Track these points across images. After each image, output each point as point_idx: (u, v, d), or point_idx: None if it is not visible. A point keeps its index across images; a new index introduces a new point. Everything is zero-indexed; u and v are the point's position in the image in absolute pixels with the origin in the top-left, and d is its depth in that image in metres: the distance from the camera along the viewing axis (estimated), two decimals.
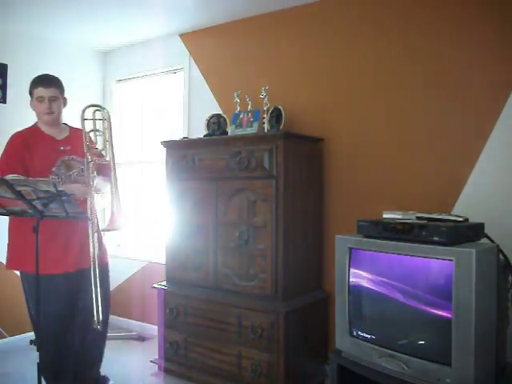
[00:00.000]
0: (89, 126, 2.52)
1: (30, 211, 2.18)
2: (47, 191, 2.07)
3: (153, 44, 4.13)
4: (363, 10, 3.08)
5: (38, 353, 2.19)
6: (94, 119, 2.51)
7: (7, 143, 2.50)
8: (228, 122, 3.37)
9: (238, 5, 3.38)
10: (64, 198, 2.09)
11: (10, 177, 2.11)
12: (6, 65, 3.81)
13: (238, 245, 2.95)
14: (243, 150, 2.93)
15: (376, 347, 2.23)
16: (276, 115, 3.13)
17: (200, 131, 3.60)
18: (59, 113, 2.54)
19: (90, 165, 2.44)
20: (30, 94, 2.52)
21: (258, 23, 3.55)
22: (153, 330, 3.85)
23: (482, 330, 1.91)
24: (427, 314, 2.10)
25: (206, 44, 3.86)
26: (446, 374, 1.95)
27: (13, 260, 2.52)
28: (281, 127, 3.11)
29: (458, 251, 1.93)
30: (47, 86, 2.47)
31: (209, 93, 3.82)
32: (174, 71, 4.11)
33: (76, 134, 2.59)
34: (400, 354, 2.12)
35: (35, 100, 2.49)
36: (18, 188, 2.05)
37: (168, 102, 4.18)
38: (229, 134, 3.27)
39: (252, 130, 3.14)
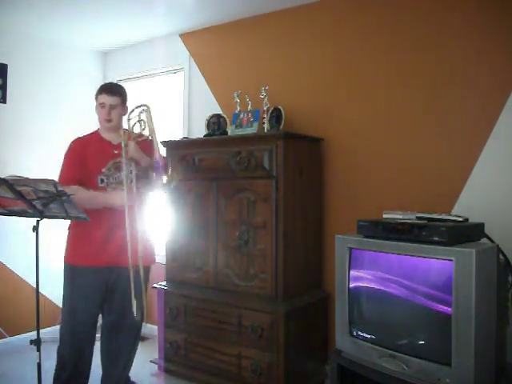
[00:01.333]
0: (137, 129, 2.63)
1: (30, 211, 2.19)
2: (47, 191, 2.07)
3: (153, 44, 4.13)
4: (363, 10, 3.08)
5: (37, 353, 2.19)
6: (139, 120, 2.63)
7: (67, 149, 2.56)
8: (228, 121, 3.37)
9: (238, 5, 3.38)
10: (64, 198, 2.09)
11: (9, 177, 2.11)
12: (6, 65, 3.81)
13: (238, 245, 2.95)
14: (243, 150, 2.93)
15: (376, 347, 2.23)
16: (276, 115, 3.13)
17: (200, 131, 3.60)
18: (118, 120, 2.61)
19: (133, 172, 2.49)
20: (96, 100, 2.61)
21: (258, 23, 3.55)
22: (153, 330, 3.85)
23: (482, 329, 1.91)
24: (427, 314, 2.10)
25: (206, 44, 3.86)
26: (446, 374, 1.95)
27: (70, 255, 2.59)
28: (281, 127, 3.11)
29: (458, 251, 1.93)
30: (110, 93, 2.57)
31: (209, 93, 3.82)
32: (174, 71, 4.11)
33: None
34: (400, 354, 2.12)
35: (98, 106, 2.59)
36: (18, 188, 2.06)
37: (168, 102, 4.18)
38: (229, 134, 3.27)
39: (252, 129, 3.14)
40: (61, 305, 2.65)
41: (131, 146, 2.50)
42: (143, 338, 3.95)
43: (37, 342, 2.20)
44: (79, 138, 2.62)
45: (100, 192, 2.48)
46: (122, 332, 2.64)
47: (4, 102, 3.81)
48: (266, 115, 3.13)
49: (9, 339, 3.75)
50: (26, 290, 3.77)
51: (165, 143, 3.37)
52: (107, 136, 2.61)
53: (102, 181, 2.51)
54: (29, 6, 3.39)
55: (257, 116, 3.17)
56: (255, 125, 3.15)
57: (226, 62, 3.73)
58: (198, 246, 3.16)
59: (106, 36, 4.10)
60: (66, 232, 2.60)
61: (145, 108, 2.59)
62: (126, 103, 2.68)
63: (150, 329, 3.96)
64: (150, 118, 2.60)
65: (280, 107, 3.14)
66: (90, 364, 2.63)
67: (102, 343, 2.70)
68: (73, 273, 2.53)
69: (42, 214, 2.19)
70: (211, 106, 3.73)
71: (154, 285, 3.36)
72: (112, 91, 2.59)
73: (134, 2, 3.33)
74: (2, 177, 2.06)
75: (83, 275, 2.51)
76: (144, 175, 2.60)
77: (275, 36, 3.47)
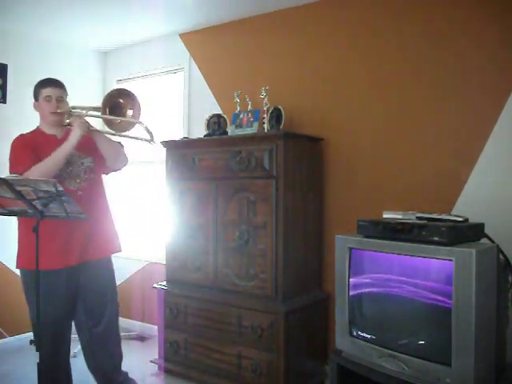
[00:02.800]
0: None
1: (30, 211, 2.18)
2: (47, 191, 2.07)
3: (153, 44, 4.14)
4: (363, 10, 3.08)
5: (37, 353, 2.19)
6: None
7: (13, 145, 2.48)
8: (228, 121, 3.37)
9: (238, 5, 3.38)
10: (64, 197, 2.09)
11: (9, 177, 2.10)
12: (6, 65, 3.82)
13: (238, 245, 2.95)
14: (243, 150, 2.93)
15: (376, 347, 2.22)
16: (276, 115, 3.13)
17: (200, 131, 3.60)
18: (63, 114, 2.55)
19: (84, 164, 2.50)
20: (36, 95, 2.52)
21: (258, 23, 3.55)
22: (153, 330, 3.85)
23: (482, 329, 1.91)
24: (427, 314, 2.11)
25: (206, 44, 3.86)
26: (446, 374, 1.95)
27: (21, 258, 2.53)
28: (281, 127, 3.11)
29: (458, 251, 1.93)
30: (55, 86, 2.52)
31: (209, 93, 3.82)
32: (174, 71, 4.11)
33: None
34: (400, 354, 2.12)
35: (43, 99, 2.50)
36: (18, 188, 2.05)
37: (168, 101, 4.18)
38: (229, 134, 3.27)
39: (252, 129, 3.14)
40: None
41: (77, 114, 2.48)
42: (143, 338, 3.96)
43: (36, 343, 2.19)
44: (22, 134, 2.52)
45: (59, 149, 2.38)
46: (104, 323, 2.56)
47: (4, 102, 3.81)
48: (266, 115, 3.13)
49: (9, 339, 3.75)
50: None
51: (165, 143, 3.38)
52: (52, 131, 2.53)
53: (55, 176, 2.37)
54: (29, 7, 3.39)
55: (257, 116, 3.17)
56: (255, 125, 3.15)
57: (226, 62, 3.73)
58: (198, 246, 3.16)
59: (105, 36, 4.10)
60: (18, 237, 2.50)
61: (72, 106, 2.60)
62: (67, 97, 2.60)
63: (150, 329, 3.96)
64: (79, 107, 2.60)
65: (280, 107, 3.14)
66: (69, 369, 2.56)
67: (85, 343, 2.59)
68: (43, 278, 2.32)
69: (42, 214, 2.19)
70: (211, 106, 3.73)
71: (154, 285, 3.36)
72: (57, 83, 2.53)
73: (133, 2, 3.33)
74: (2, 177, 2.06)
75: (58, 277, 2.40)
76: (96, 164, 2.56)
77: (275, 36, 3.47)
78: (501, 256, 2.12)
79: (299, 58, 3.35)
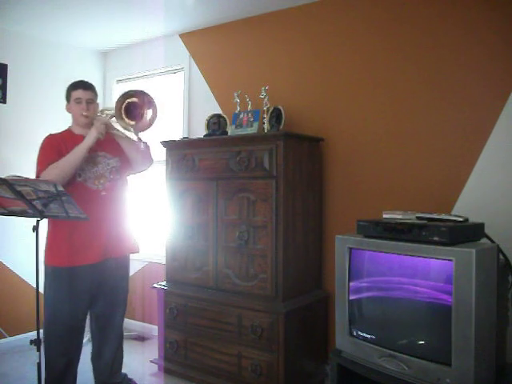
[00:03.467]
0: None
1: (30, 211, 2.19)
2: (47, 191, 2.07)
3: (153, 44, 4.14)
4: (363, 9, 3.08)
5: (38, 353, 2.19)
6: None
7: (42, 145, 2.54)
8: (228, 121, 3.37)
9: (238, 5, 3.38)
10: (64, 198, 2.09)
11: (9, 176, 2.11)
12: (6, 65, 3.81)
13: (238, 245, 2.95)
14: (243, 150, 2.93)
15: (376, 347, 2.23)
16: (276, 115, 3.13)
17: (200, 131, 3.60)
18: (94, 115, 2.60)
19: (110, 165, 2.53)
20: (68, 97, 2.59)
21: (258, 23, 3.55)
22: (153, 330, 3.85)
23: (482, 330, 1.91)
24: (427, 314, 2.11)
25: (206, 44, 3.86)
26: (445, 374, 1.95)
27: (49, 255, 2.54)
28: (281, 127, 3.11)
29: (458, 251, 1.93)
30: (85, 88, 2.57)
31: (209, 93, 3.82)
32: (174, 71, 4.11)
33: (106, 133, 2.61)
34: (400, 354, 2.12)
35: (73, 102, 2.57)
36: (18, 188, 2.06)
37: (168, 102, 4.18)
38: (229, 133, 3.27)
39: (252, 129, 3.14)
40: None
41: (102, 117, 2.52)
42: (143, 338, 3.96)
43: (37, 342, 2.19)
44: (51, 134, 2.58)
45: (76, 148, 2.43)
46: (112, 327, 2.63)
47: (4, 102, 3.81)
48: (266, 115, 3.13)
49: (9, 339, 3.75)
50: (26, 290, 3.77)
51: (165, 143, 3.38)
52: (81, 132, 2.57)
53: (80, 175, 2.47)
54: (29, 7, 3.39)
55: (257, 116, 3.17)
56: (255, 125, 3.15)
57: (226, 62, 3.73)
58: (198, 246, 3.16)
59: (106, 36, 4.10)
60: (47, 234, 2.52)
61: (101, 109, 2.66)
62: (97, 99, 2.66)
63: (150, 329, 3.97)
64: (107, 108, 2.65)
65: (280, 107, 3.14)
66: (77, 368, 2.59)
67: (94, 342, 2.68)
68: (68, 275, 2.44)
69: (41, 214, 2.19)
70: (211, 106, 3.73)
71: (154, 285, 3.36)
72: (87, 86, 2.59)
73: (133, 2, 3.33)
74: (2, 177, 2.06)
75: (80, 275, 2.46)
76: (122, 165, 2.61)
77: (275, 36, 3.47)
78: (501, 256, 2.12)
79: (299, 58, 3.35)
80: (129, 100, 2.47)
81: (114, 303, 2.62)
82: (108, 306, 2.60)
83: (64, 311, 2.44)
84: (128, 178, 2.73)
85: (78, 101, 2.54)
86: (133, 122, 2.48)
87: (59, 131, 2.63)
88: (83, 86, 2.58)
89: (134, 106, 2.48)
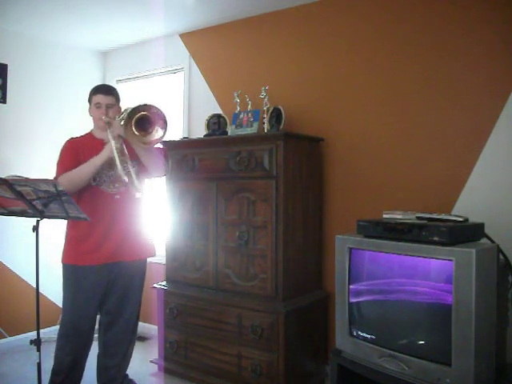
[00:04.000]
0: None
1: (30, 211, 2.19)
2: (47, 191, 2.07)
3: (153, 44, 4.13)
4: (363, 9, 3.08)
5: (38, 353, 2.19)
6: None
7: (62, 149, 2.58)
8: (228, 121, 3.37)
9: (238, 5, 3.38)
10: (64, 198, 2.09)
11: (10, 176, 2.11)
12: (6, 65, 3.81)
13: (238, 245, 2.95)
14: (243, 149, 2.93)
15: (376, 347, 2.23)
16: (276, 115, 3.13)
17: (200, 131, 3.60)
18: (114, 119, 2.59)
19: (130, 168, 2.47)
20: (89, 100, 2.63)
21: (258, 23, 3.55)
22: (153, 330, 3.85)
23: (482, 330, 1.91)
24: (427, 314, 2.11)
25: (205, 44, 3.86)
26: (445, 374, 1.95)
27: (65, 254, 2.59)
28: (281, 127, 3.11)
29: (458, 251, 1.93)
30: (106, 93, 2.59)
31: (209, 93, 3.82)
32: (174, 71, 4.11)
33: None
34: (400, 354, 2.12)
35: (93, 106, 2.59)
36: (18, 188, 2.06)
37: (168, 101, 4.18)
38: (229, 133, 3.27)
39: (252, 130, 3.14)
40: (61, 305, 2.65)
41: (116, 124, 2.49)
42: (143, 338, 3.95)
43: (37, 342, 2.20)
44: (72, 138, 2.63)
45: (85, 164, 2.45)
46: (118, 327, 2.66)
47: (4, 102, 3.81)
48: (265, 115, 3.13)
49: (9, 339, 3.75)
50: (26, 290, 3.77)
51: (165, 143, 3.37)
52: (101, 136, 2.60)
53: (95, 179, 2.50)
54: (29, 7, 3.39)
55: (257, 116, 3.17)
56: (255, 125, 3.15)
57: (226, 62, 3.73)
58: (198, 246, 3.16)
59: (105, 36, 4.10)
60: (64, 232, 2.60)
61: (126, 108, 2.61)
62: (119, 103, 2.68)
63: (150, 329, 3.96)
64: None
65: (280, 107, 3.14)
66: (84, 366, 2.63)
67: (99, 339, 2.71)
68: (75, 273, 2.52)
69: (42, 214, 2.19)
70: (211, 106, 3.73)
71: (154, 285, 3.36)
72: (107, 91, 2.61)
73: (133, 2, 3.33)
74: (2, 177, 2.06)
75: (86, 274, 2.51)
76: (139, 169, 2.59)
77: (275, 36, 3.47)
78: (501, 256, 2.12)
79: (299, 58, 3.35)
80: (144, 113, 2.40)
81: (123, 301, 2.64)
82: (117, 303, 2.63)
83: (73, 309, 2.51)
84: (145, 182, 2.71)
85: (98, 105, 2.57)
86: (138, 134, 2.40)
87: (81, 134, 2.66)
88: (104, 90, 2.60)
89: (144, 120, 2.41)
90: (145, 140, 2.40)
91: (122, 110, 2.65)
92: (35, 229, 2.21)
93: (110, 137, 2.45)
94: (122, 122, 2.43)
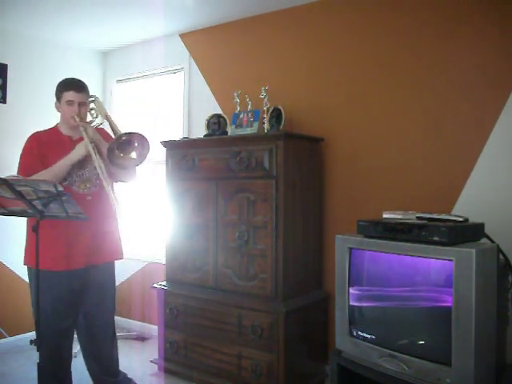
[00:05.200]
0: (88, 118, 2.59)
1: (30, 211, 2.19)
2: (47, 191, 2.07)
3: (153, 44, 4.13)
4: (363, 9, 3.08)
5: (38, 353, 2.19)
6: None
7: (25, 143, 2.50)
8: (228, 121, 3.37)
9: (238, 5, 3.38)
10: (64, 198, 2.09)
11: (10, 177, 2.11)
12: (6, 65, 3.81)
13: (238, 245, 2.95)
14: (243, 149, 2.93)
15: (376, 347, 2.23)
16: (276, 115, 3.13)
17: (200, 131, 3.60)
18: (85, 117, 2.53)
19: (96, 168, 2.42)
20: (58, 96, 2.50)
21: (257, 23, 3.55)
22: (153, 330, 3.85)
23: (482, 330, 1.91)
24: (427, 314, 2.11)
25: (206, 44, 3.86)
26: (446, 374, 1.95)
27: (28, 256, 2.51)
28: (281, 127, 3.11)
29: (458, 251, 1.93)
30: (78, 90, 2.47)
31: (209, 93, 3.82)
32: (174, 71, 4.11)
33: None
34: (400, 354, 2.12)
35: (64, 103, 2.47)
36: (18, 188, 2.05)
37: (168, 102, 4.18)
38: (229, 133, 3.27)
39: (252, 130, 3.14)
40: None
41: (90, 129, 2.44)
42: (143, 338, 3.96)
43: (37, 342, 2.19)
44: (37, 132, 2.52)
45: (61, 161, 2.38)
46: (99, 323, 2.59)
47: (4, 102, 3.81)
48: (265, 115, 3.13)
49: (9, 339, 3.75)
50: (25, 290, 3.75)
51: (165, 143, 3.38)
52: (68, 132, 2.52)
53: (65, 179, 2.42)
54: (29, 6, 3.39)
55: (257, 116, 3.17)
56: (255, 125, 3.15)
57: (226, 62, 3.73)
58: (198, 246, 3.16)
59: (105, 36, 4.10)
60: (25, 234, 2.50)
61: (95, 97, 2.58)
62: (88, 99, 2.58)
63: (150, 329, 3.96)
64: (100, 105, 2.59)
65: (280, 107, 3.14)
66: (70, 368, 2.58)
67: (83, 343, 2.64)
68: (51, 278, 2.38)
69: (41, 214, 2.19)
70: (211, 106, 3.73)
71: (154, 285, 3.36)
72: (80, 88, 2.48)
73: (133, 2, 3.33)
74: (2, 177, 2.06)
75: (62, 279, 2.41)
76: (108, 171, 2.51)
77: (275, 36, 3.47)
78: (501, 256, 2.12)
79: (299, 57, 3.35)
80: (126, 137, 2.34)
81: (99, 302, 2.57)
82: (94, 305, 2.56)
83: (47, 313, 2.36)
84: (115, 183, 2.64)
85: (70, 103, 2.45)
86: (121, 154, 2.34)
87: (45, 129, 2.57)
88: (76, 87, 2.47)
89: (127, 142, 2.34)
90: (123, 164, 2.36)
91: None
92: (35, 229, 2.20)
93: (85, 138, 2.38)
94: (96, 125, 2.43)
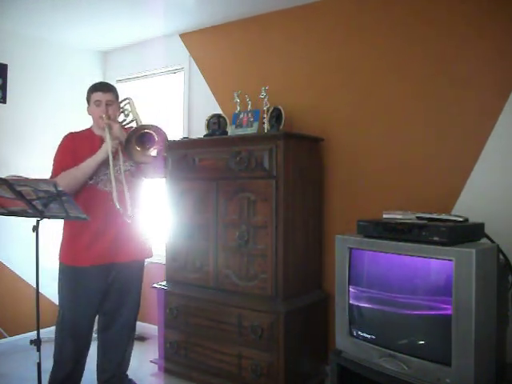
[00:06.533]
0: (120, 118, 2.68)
1: (30, 211, 2.19)
2: (47, 191, 2.07)
3: (153, 44, 4.13)
4: (363, 9, 3.08)
5: (38, 353, 2.19)
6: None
7: (61, 142, 2.58)
8: (228, 121, 3.37)
9: (238, 5, 3.38)
10: (64, 198, 2.09)
11: (9, 177, 2.11)
12: (6, 65, 3.81)
13: (238, 245, 2.95)
14: (243, 149, 2.93)
15: (376, 347, 2.23)
16: (276, 115, 3.13)
17: (200, 131, 3.60)
18: (114, 117, 2.59)
19: (121, 167, 2.50)
20: (88, 99, 2.60)
21: (258, 23, 3.55)
22: (153, 329, 3.85)
23: (482, 330, 1.91)
24: (427, 314, 2.10)
25: (206, 44, 3.86)
26: (446, 374, 1.95)
27: (61, 253, 2.59)
28: (281, 127, 3.11)
29: (458, 251, 1.93)
30: (105, 90, 2.56)
31: (209, 93, 3.82)
32: (174, 71, 4.11)
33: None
34: (400, 354, 2.12)
35: (93, 104, 2.57)
36: (18, 188, 2.06)
37: (168, 101, 4.18)
38: (229, 133, 3.27)
39: (252, 130, 3.14)
40: None
41: (115, 127, 2.50)
42: (143, 338, 3.95)
43: (37, 342, 2.20)
44: (72, 133, 2.62)
45: (87, 161, 2.45)
46: (115, 328, 2.65)
47: (4, 102, 3.81)
48: (265, 115, 3.13)
49: (9, 339, 3.75)
50: (25, 290, 3.77)
51: None
52: (99, 132, 2.59)
53: (91, 178, 2.49)
54: (29, 6, 3.39)
55: (257, 116, 3.17)
56: (255, 125, 3.15)
57: (226, 62, 3.73)
58: (198, 246, 3.16)
59: (105, 36, 4.10)
60: (61, 232, 2.59)
61: (129, 99, 2.65)
62: (118, 100, 2.66)
63: (150, 329, 3.96)
64: (133, 107, 2.64)
65: (280, 107, 3.14)
66: (85, 364, 2.64)
67: (98, 339, 2.71)
68: (72, 273, 2.51)
69: (42, 214, 2.19)
70: (211, 106, 3.73)
71: (154, 285, 3.36)
72: (106, 88, 2.59)
73: (133, 2, 3.33)
74: (2, 177, 2.06)
75: (84, 275, 2.50)
76: (135, 170, 2.60)
77: (275, 36, 3.47)
78: (501, 256, 2.12)
79: (299, 57, 3.35)
80: (146, 130, 2.40)
81: (120, 303, 2.63)
82: (114, 304, 2.61)
83: (70, 309, 2.49)
84: (143, 181, 2.71)
85: (98, 103, 2.55)
86: (138, 148, 2.41)
87: (80, 130, 2.66)
88: (102, 88, 2.58)
89: (146, 137, 2.42)
90: (138, 159, 2.42)
91: (123, 105, 2.65)
92: (35, 229, 2.21)
93: (107, 138, 2.44)
94: (125, 133, 2.44)
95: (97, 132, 2.61)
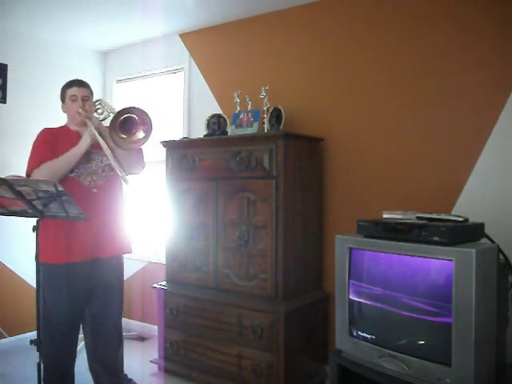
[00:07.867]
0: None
1: (30, 211, 2.19)
2: (47, 191, 2.07)
3: (153, 44, 4.13)
4: (363, 10, 3.08)
5: (37, 353, 2.19)
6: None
7: (38, 135, 2.55)
8: (228, 121, 3.37)
9: (238, 5, 3.38)
10: (64, 198, 2.09)
11: (9, 177, 2.11)
12: (6, 65, 3.81)
13: (238, 245, 2.95)
14: (243, 149, 2.93)
15: (376, 347, 2.22)
16: (276, 115, 3.13)
17: (200, 131, 3.60)
18: (91, 111, 2.58)
19: (103, 162, 2.52)
20: (63, 96, 2.57)
21: (258, 23, 3.55)
22: (153, 329, 3.85)
23: (482, 330, 1.91)
24: (427, 314, 2.10)
25: (206, 44, 3.86)
26: (446, 374, 1.95)
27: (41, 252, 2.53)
28: (281, 127, 3.11)
29: (458, 251, 1.93)
30: (80, 85, 2.55)
31: (209, 93, 3.82)
32: (174, 71, 4.11)
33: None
34: (400, 354, 2.12)
35: (68, 100, 2.54)
36: (18, 188, 2.05)
37: (168, 101, 4.18)
38: (229, 134, 3.27)
39: (252, 130, 3.14)
40: None
41: (94, 119, 2.50)
42: (143, 338, 3.96)
43: (37, 342, 2.19)
44: (47, 128, 2.58)
45: (70, 151, 2.43)
46: (105, 330, 2.58)
47: (4, 102, 3.81)
48: (265, 115, 3.13)
49: (9, 339, 3.75)
50: (26, 290, 3.77)
51: (165, 143, 3.38)
52: (76, 128, 2.57)
53: (72, 170, 2.45)
54: (29, 6, 3.39)
55: (257, 116, 3.17)
56: (255, 125, 3.15)
57: (226, 62, 3.73)
58: (198, 246, 3.16)
59: (105, 36, 4.10)
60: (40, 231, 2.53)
61: (100, 100, 2.70)
62: (93, 97, 2.63)
63: (150, 329, 3.96)
64: (107, 104, 2.69)
65: (280, 107, 3.14)
66: (74, 362, 2.57)
67: (86, 345, 2.64)
68: (55, 272, 2.42)
69: (42, 214, 2.19)
70: (211, 106, 3.73)
71: (154, 285, 3.36)
72: (81, 83, 2.57)
73: (133, 2, 3.33)
74: (2, 177, 2.06)
75: (67, 273, 2.43)
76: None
77: (275, 36, 3.47)
78: (501, 256, 2.12)
79: (299, 58, 3.35)
80: (127, 115, 2.36)
81: (107, 302, 2.57)
82: (101, 305, 2.55)
83: (55, 309, 2.40)
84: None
85: (74, 98, 2.52)
86: (124, 136, 2.37)
87: (55, 127, 2.62)
88: (78, 83, 2.55)
89: (129, 122, 2.38)
90: (126, 146, 2.39)
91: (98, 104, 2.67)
92: (35, 229, 2.20)
93: (90, 126, 2.43)
94: (107, 123, 2.46)
95: (73, 128, 2.57)
